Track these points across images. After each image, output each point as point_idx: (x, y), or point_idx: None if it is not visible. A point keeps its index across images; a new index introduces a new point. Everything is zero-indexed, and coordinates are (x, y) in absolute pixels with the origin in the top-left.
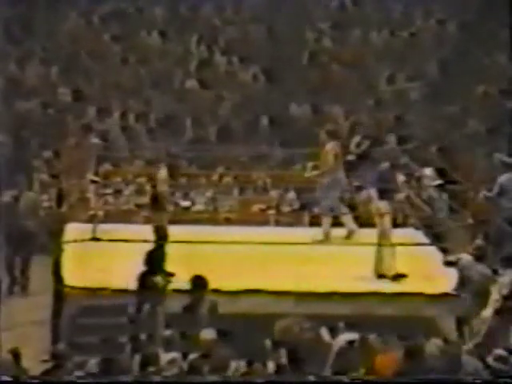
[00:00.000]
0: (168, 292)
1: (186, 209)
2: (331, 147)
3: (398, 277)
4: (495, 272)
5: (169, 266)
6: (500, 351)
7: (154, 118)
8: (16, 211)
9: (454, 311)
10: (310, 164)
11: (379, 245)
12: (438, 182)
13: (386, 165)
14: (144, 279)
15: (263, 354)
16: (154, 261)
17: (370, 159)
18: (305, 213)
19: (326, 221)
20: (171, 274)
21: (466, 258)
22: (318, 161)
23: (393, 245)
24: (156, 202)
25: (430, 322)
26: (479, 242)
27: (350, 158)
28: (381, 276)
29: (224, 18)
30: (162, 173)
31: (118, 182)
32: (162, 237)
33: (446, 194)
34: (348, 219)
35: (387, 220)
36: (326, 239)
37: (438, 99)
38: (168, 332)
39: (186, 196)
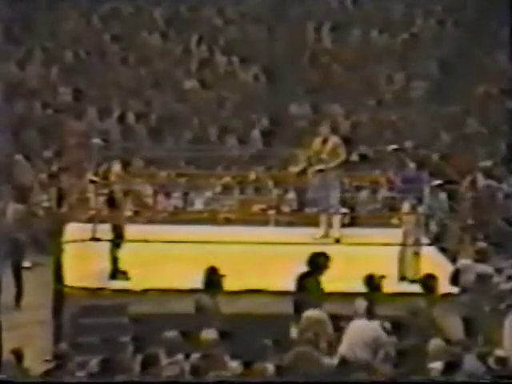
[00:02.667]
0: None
1: None
2: (340, 142)
3: (416, 282)
4: (499, 271)
5: (169, 266)
6: (500, 352)
7: (154, 118)
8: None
9: (454, 311)
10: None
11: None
12: (438, 182)
13: (412, 166)
14: (303, 280)
15: (263, 355)
16: (317, 264)
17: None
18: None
19: (326, 220)
20: (124, 272)
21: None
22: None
23: (416, 245)
24: (112, 200)
25: (430, 322)
26: (481, 244)
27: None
28: (403, 278)
29: (224, 17)
30: (115, 169)
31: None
32: (118, 236)
33: (445, 193)
34: (337, 223)
35: (410, 221)
36: (327, 238)
37: (438, 99)
38: (170, 333)
39: (185, 196)
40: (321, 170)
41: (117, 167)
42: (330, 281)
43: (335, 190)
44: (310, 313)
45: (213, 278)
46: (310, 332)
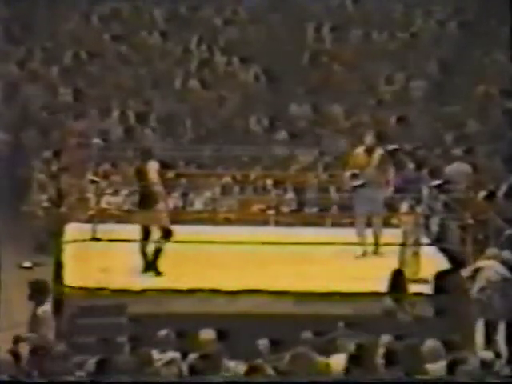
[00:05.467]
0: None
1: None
2: (386, 154)
3: (416, 281)
4: None
5: (169, 266)
6: (485, 354)
7: (154, 118)
8: None
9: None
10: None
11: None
12: (438, 182)
13: (411, 166)
14: (444, 279)
15: (262, 355)
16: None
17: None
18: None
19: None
20: (159, 273)
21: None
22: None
23: (416, 245)
24: (144, 199)
25: (430, 322)
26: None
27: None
28: None
29: (224, 17)
30: (154, 168)
31: (117, 182)
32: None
33: (445, 194)
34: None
35: (409, 221)
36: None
37: (438, 99)
38: (164, 332)
39: (185, 196)
40: (362, 185)
41: (155, 166)
42: (329, 281)
43: (380, 194)
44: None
45: (398, 280)
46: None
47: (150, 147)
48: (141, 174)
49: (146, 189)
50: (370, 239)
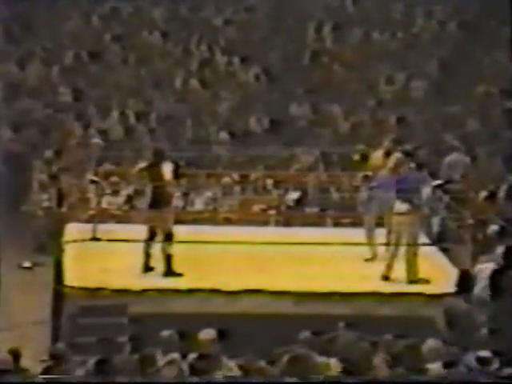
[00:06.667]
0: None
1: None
2: (403, 158)
3: (416, 282)
4: None
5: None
6: (484, 353)
7: (154, 118)
8: None
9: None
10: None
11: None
12: (438, 182)
13: (412, 166)
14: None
15: (263, 354)
16: None
17: None
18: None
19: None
20: (179, 274)
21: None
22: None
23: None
24: (159, 199)
25: (430, 322)
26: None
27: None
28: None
29: (224, 17)
30: (168, 170)
31: (117, 183)
32: (152, 236)
33: (445, 194)
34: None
35: (406, 221)
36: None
37: (438, 99)
38: (167, 332)
39: (185, 196)
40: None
41: (170, 167)
42: (329, 281)
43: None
44: None
45: (464, 281)
46: None
47: (163, 149)
48: (154, 175)
49: (160, 189)
50: (379, 241)
